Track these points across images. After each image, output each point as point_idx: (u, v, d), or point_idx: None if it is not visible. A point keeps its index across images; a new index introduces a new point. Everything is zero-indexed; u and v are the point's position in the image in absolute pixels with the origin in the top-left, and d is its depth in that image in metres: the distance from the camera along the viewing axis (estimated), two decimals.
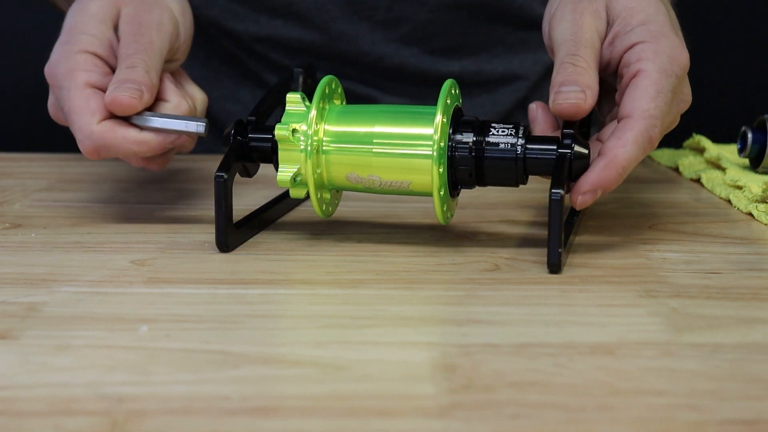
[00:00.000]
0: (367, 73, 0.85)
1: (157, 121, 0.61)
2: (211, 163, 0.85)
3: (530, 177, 0.59)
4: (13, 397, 0.40)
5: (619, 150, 0.56)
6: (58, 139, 1.15)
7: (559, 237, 0.55)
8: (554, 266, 0.55)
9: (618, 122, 0.58)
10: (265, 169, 0.64)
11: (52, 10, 0.84)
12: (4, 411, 0.38)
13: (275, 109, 0.65)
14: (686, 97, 0.61)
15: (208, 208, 0.69)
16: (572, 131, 0.57)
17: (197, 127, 0.61)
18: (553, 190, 0.54)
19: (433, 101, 0.58)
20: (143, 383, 0.41)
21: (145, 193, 0.74)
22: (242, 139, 0.61)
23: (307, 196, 0.60)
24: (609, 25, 0.61)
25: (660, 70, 0.58)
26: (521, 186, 0.59)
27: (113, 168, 0.83)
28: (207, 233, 0.62)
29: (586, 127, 0.64)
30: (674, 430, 0.38)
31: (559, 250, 0.55)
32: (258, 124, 0.62)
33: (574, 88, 0.57)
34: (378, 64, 0.87)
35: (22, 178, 0.79)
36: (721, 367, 0.43)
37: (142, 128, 0.61)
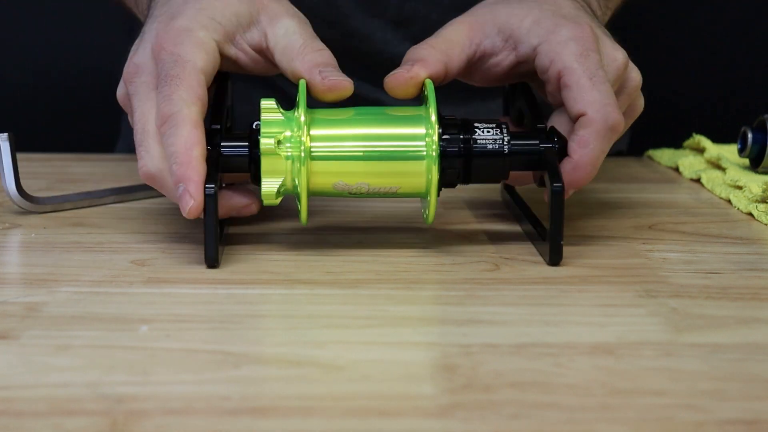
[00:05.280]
0: (377, 72, 0.85)
1: None
2: None
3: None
4: (13, 397, 0.40)
5: (582, 151, 0.57)
6: (58, 139, 1.15)
7: (561, 229, 0.55)
8: (556, 258, 0.56)
9: (574, 122, 0.58)
10: None
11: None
12: (4, 411, 0.38)
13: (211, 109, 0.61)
14: (617, 62, 0.61)
15: None
16: (545, 125, 0.59)
17: None
18: (554, 184, 0.55)
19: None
20: (143, 383, 0.41)
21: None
22: (215, 148, 0.57)
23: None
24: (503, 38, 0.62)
25: (576, 57, 0.59)
26: (516, 186, 0.60)
27: (113, 168, 0.83)
28: None
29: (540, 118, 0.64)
30: (674, 430, 0.38)
31: (561, 242, 0.55)
32: (228, 132, 0.60)
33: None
34: (389, 63, 0.87)
35: (22, 178, 0.79)
36: (721, 367, 0.43)
37: None
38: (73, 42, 1.30)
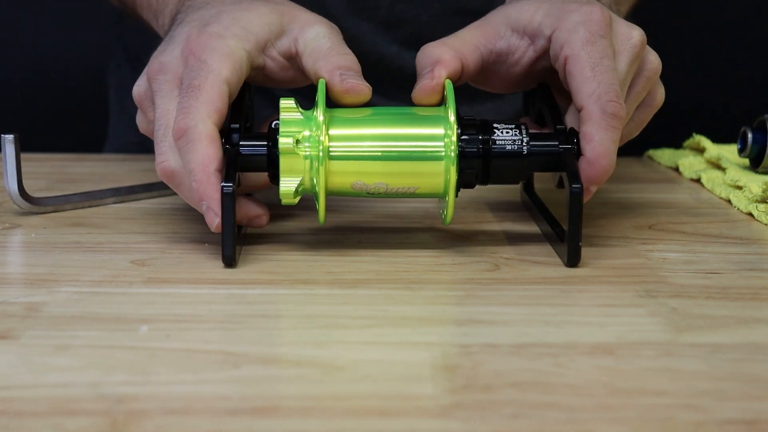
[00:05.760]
0: (368, 74, 0.85)
1: None
2: None
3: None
4: (13, 397, 0.40)
5: (590, 146, 0.57)
6: (58, 139, 1.15)
7: (579, 230, 0.55)
8: (574, 259, 0.56)
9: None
10: None
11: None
12: (4, 411, 0.38)
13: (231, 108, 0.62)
14: (633, 40, 0.60)
15: None
16: (565, 126, 0.59)
17: None
18: (573, 185, 0.55)
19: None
20: (143, 383, 0.41)
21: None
22: (233, 147, 0.58)
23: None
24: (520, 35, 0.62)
25: (582, 44, 0.58)
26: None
27: (113, 168, 0.83)
28: (207, 233, 0.62)
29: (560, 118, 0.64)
30: (674, 430, 0.38)
31: (579, 244, 0.56)
32: (247, 131, 0.60)
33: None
34: (379, 64, 0.87)
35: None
36: (721, 367, 0.43)
37: None
38: (73, 42, 1.30)
